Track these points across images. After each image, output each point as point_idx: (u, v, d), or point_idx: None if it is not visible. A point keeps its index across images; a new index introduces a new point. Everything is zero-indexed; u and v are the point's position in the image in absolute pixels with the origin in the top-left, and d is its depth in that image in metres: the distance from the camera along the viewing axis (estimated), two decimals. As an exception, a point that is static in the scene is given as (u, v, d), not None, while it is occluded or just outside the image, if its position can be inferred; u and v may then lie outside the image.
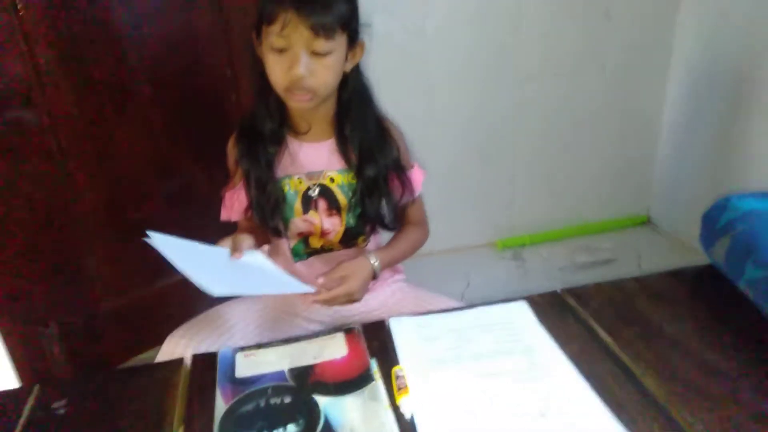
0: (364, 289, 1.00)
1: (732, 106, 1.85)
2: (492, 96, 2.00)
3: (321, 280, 0.96)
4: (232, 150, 1.05)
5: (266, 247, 0.95)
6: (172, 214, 1.59)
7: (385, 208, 1.04)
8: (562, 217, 2.25)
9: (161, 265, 1.62)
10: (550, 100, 2.04)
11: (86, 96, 1.39)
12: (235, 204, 1.05)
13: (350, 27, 0.91)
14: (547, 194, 2.20)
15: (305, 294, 0.94)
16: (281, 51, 0.88)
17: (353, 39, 0.93)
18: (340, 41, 0.90)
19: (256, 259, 0.93)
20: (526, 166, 2.13)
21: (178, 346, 0.95)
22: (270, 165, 0.99)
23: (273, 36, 0.87)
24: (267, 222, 1.01)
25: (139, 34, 1.43)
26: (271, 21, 0.86)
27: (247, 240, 0.92)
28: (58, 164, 1.39)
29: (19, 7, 1.25)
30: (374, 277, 1.01)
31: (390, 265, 1.07)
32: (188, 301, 1.62)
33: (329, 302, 0.97)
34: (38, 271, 1.41)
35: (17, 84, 1.29)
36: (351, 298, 0.98)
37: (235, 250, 0.90)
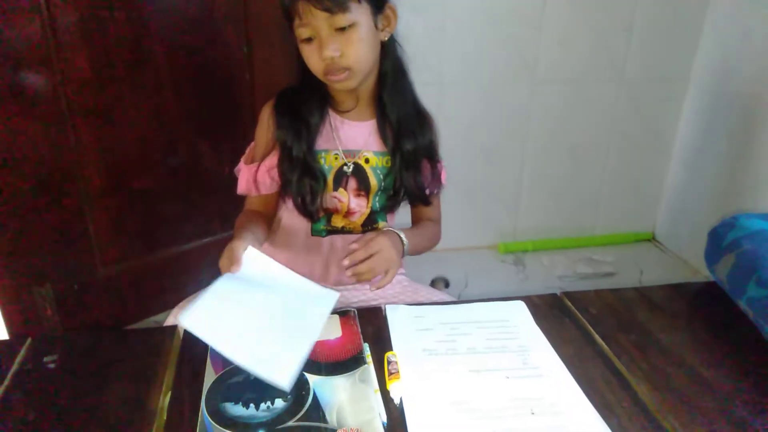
0: (399, 263, 0.94)
1: (747, 129, 1.84)
2: (504, 99, 2.00)
3: (354, 246, 0.89)
4: (268, 120, 1.00)
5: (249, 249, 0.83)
6: (176, 186, 1.59)
7: (419, 184, 1.03)
8: (566, 226, 2.24)
9: (160, 236, 1.64)
10: (563, 108, 2.04)
11: (100, 60, 1.39)
12: (266, 179, 1.00)
13: None
14: (552, 202, 2.19)
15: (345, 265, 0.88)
16: (309, 40, 0.90)
17: (378, 6, 0.93)
18: (361, 11, 0.89)
19: (263, 267, 0.82)
20: (533, 172, 2.12)
21: None
22: (311, 147, 0.98)
23: (299, 29, 0.89)
24: (305, 202, 0.99)
25: (160, 3, 1.43)
26: (291, 16, 0.89)
27: (243, 243, 0.81)
28: (66, 125, 1.39)
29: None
30: (402, 255, 0.96)
31: (414, 250, 1.01)
32: (183, 275, 1.64)
33: (366, 271, 0.89)
34: (38, 231, 1.41)
35: (34, 44, 1.29)
36: (389, 267, 0.90)
37: (233, 262, 0.79)
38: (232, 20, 1.54)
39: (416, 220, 1.14)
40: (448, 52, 1.89)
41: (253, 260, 0.80)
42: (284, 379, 0.66)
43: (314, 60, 0.91)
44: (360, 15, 0.89)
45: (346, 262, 0.88)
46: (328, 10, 0.85)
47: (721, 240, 0.94)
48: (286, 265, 1.11)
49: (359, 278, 0.89)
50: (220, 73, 1.58)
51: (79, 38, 1.35)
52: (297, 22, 0.88)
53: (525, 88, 1.99)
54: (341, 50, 0.88)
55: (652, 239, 2.31)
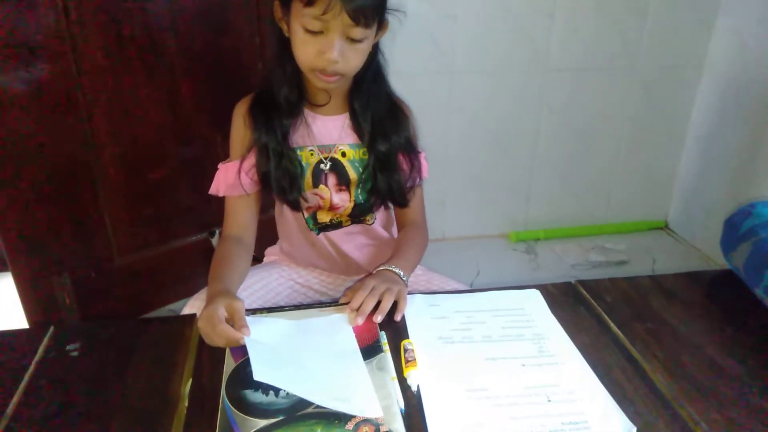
0: (403, 283, 0.92)
1: (761, 116, 1.82)
2: (516, 86, 1.98)
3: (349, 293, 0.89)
4: (242, 119, 1.00)
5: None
6: (191, 175, 1.61)
7: (395, 184, 1.02)
8: (578, 214, 2.23)
9: (175, 226, 1.66)
10: (575, 95, 2.02)
11: (114, 53, 1.40)
12: (243, 179, 0.98)
13: (383, 13, 0.91)
14: (564, 190, 2.19)
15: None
16: (315, 33, 0.86)
17: (381, 24, 0.93)
18: (374, 28, 0.90)
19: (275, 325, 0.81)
20: (545, 160, 2.11)
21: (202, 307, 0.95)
22: (286, 136, 0.98)
23: (309, 17, 0.85)
24: (286, 195, 0.99)
25: (173, -4, 1.44)
26: (311, 2, 0.84)
27: (218, 308, 0.78)
28: (82, 118, 1.40)
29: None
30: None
31: (411, 270, 1.01)
32: (199, 264, 1.66)
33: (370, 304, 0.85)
34: (55, 222, 1.43)
35: (48, 36, 1.30)
36: (397, 289, 0.87)
37: (214, 325, 0.76)
38: (244, 11, 1.54)
39: (399, 222, 1.13)
40: (459, 40, 1.88)
41: (254, 324, 0.78)
42: (376, 411, 0.66)
43: (310, 53, 0.88)
44: (371, 32, 0.89)
45: (347, 312, 0.84)
46: (356, 20, 0.84)
47: (737, 228, 0.93)
48: (298, 266, 1.13)
49: (369, 315, 0.83)
50: (233, 63, 1.59)
51: (94, 29, 1.35)
52: (314, 11, 0.83)
53: (537, 76, 1.98)
54: (343, 57, 0.87)
55: (665, 227, 2.29)
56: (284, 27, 0.93)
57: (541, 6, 1.88)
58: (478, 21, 1.86)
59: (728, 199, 1.93)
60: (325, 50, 0.86)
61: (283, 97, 0.96)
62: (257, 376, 0.68)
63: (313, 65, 0.89)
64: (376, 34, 0.93)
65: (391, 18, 0.95)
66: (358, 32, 0.86)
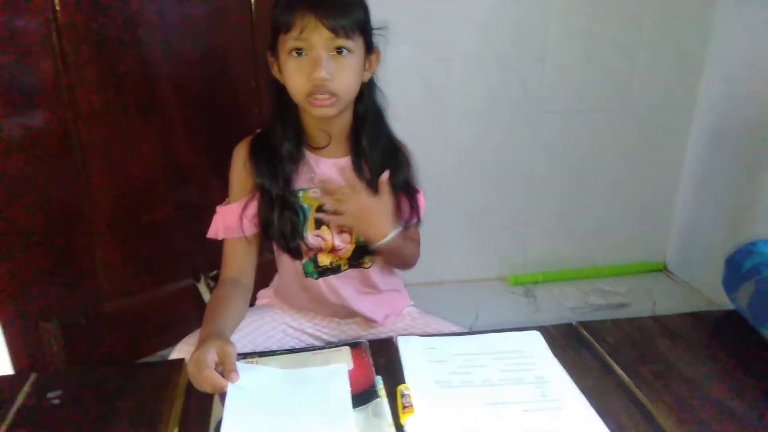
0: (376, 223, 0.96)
1: (755, 156, 1.83)
2: (511, 130, 2.00)
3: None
4: (242, 164, 0.99)
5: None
6: (184, 221, 1.59)
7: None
8: (576, 257, 2.22)
9: (168, 270, 1.63)
10: (570, 138, 2.04)
11: (111, 97, 1.40)
12: (243, 222, 0.98)
13: (366, 30, 0.92)
14: (562, 233, 2.18)
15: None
16: (301, 55, 0.88)
17: (369, 45, 0.94)
18: (359, 43, 0.90)
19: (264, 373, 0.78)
20: (542, 202, 2.11)
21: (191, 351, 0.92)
22: (288, 182, 0.97)
23: (291, 41, 0.87)
24: (287, 243, 0.97)
25: (169, 41, 1.45)
26: (289, 27, 0.86)
27: (209, 352, 0.75)
28: (76, 162, 1.39)
29: (57, 7, 1.28)
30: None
31: (396, 247, 0.99)
32: (192, 309, 1.63)
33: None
34: (45, 266, 1.40)
35: (45, 80, 1.30)
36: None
37: (201, 370, 0.73)
38: (241, 55, 1.56)
39: None
40: (453, 84, 1.91)
41: (245, 371, 0.75)
42: None
43: (300, 78, 0.88)
44: (356, 45, 0.89)
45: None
46: (334, 31, 0.85)
47: (739, 267, 0.92)
48: (291, 309, 1.11)
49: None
50: (230, 108, 1.59)
51: (91, 74, 1.36)
52: (293, 33, 0.86)
53: (531, 119, 2.00)
54: (333, 74, 0.87)
55: (663, 269, 2.28)
56: (276, 72, 0.93)
57: (532, 50, 1.92)
58: (471, 65, 1.89)
59: (726, 239, 1.92)
60: (313, 69, 0.87)
61: (284, 146, 0.97)
62: (225, 430, 0.63)
63: (306, 90, 0.89)
64: (366, 59, 0.93)
65: (382, 45, 0.95)
66: (341, 44, 0.87)
